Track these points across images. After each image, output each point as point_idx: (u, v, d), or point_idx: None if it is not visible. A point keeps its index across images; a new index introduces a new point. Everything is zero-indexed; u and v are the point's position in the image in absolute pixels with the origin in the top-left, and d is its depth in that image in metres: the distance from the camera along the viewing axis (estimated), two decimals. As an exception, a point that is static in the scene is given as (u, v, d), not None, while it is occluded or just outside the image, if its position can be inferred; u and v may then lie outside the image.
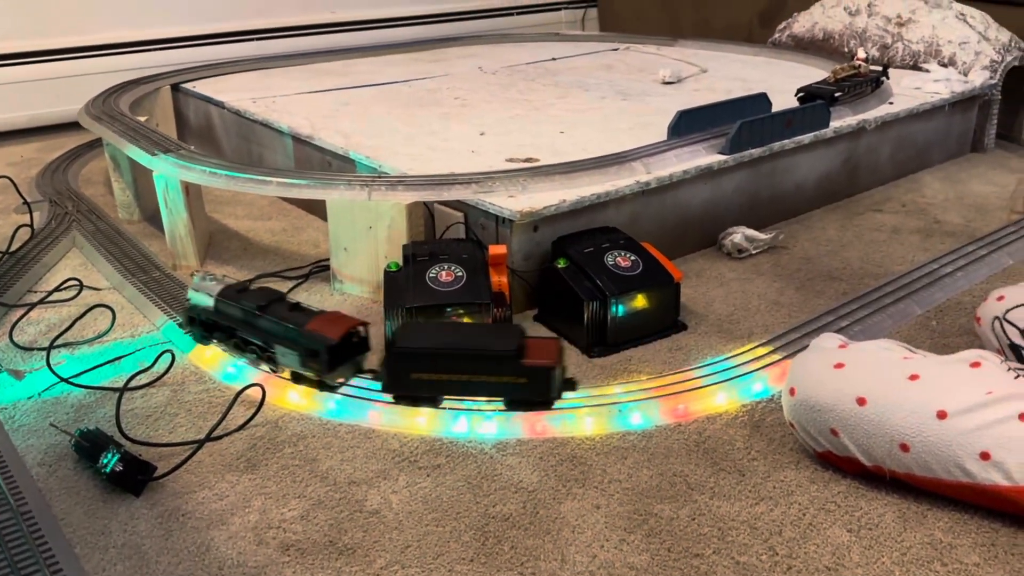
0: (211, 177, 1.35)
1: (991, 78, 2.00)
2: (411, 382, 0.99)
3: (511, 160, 1.44)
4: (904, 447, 0.82)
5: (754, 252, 1.47)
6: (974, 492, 0.81)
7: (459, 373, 0.97)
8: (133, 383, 1.10)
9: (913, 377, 0.84)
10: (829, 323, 1.20)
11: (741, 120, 1.45)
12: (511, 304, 1.22)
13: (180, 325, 1.19)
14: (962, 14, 2.15)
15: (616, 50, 2.56)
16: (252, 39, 2.56)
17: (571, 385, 1.01)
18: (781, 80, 1.99)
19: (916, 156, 1.86)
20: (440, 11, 3.00)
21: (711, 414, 1.01)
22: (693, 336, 1.21)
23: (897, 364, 0.86)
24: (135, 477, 0.91)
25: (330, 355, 0.99)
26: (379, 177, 1.32)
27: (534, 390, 0.97)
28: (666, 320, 1.22)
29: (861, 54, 1.79)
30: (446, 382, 0.98)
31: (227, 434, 1.00)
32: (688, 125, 1.52)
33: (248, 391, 1.06)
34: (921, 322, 1.23)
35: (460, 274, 1.16)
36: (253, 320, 1.05)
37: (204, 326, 1.12)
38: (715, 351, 1.16)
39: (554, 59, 2.43)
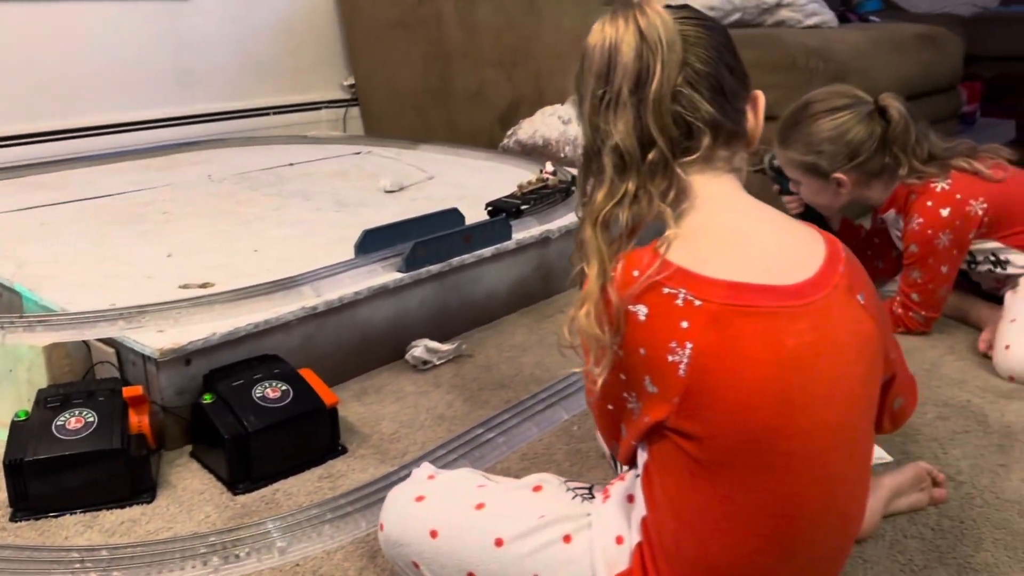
0: None
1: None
2: None
3: (185, 286, 1.43)
4: (471, 576, 0.87)
5: (438, 363, 1.53)
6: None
7: None
8: None
9: (479, 506, 0.89)
10: (478, 435, 1.26)
11: (415, 240, 1.53)
12: (160, 444, 1.20)
13: None
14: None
15: (358, 154, 2.64)
16: (-37, 149, 2.41)
17: None
18: (499, 187, 2.10)
19: (609, 256, 2.02)
20: (187, 113, 2.96)
21: (330, 548, 1.03)
22: (349, 460, 1.23)
23: (469, 494, 0.91)
24: None
25: None
26: (19, 316, 1.27)
27: None
28: (320, 447, 1.23)
29: (549, 167, 1.94)
30: None
31: None
32: (374, 243, 1.58)
33: None
34: (565, 427, 1.32)
35: (92, 419, 1.12)
36: None
37: None
38: (368, 475, 1.19)
39: (292, 164, 2.46)
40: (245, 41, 3.11)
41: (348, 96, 3.45)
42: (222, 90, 3.08)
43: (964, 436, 1.25)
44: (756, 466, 0.75)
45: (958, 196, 1.50)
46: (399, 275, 1.51)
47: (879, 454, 1.18)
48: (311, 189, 2.15)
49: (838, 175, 1.55)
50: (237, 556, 0.99)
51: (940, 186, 1.51)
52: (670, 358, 0.73)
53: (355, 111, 3.47)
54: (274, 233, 1.76)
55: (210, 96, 3.05)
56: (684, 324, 0.73)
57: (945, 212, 1.50)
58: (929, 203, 1.52)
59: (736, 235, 0.80)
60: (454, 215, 1.74)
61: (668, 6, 0.81)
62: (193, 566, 0.98)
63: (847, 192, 1.58)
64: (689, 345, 0.73)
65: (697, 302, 0.73)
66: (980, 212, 1.49)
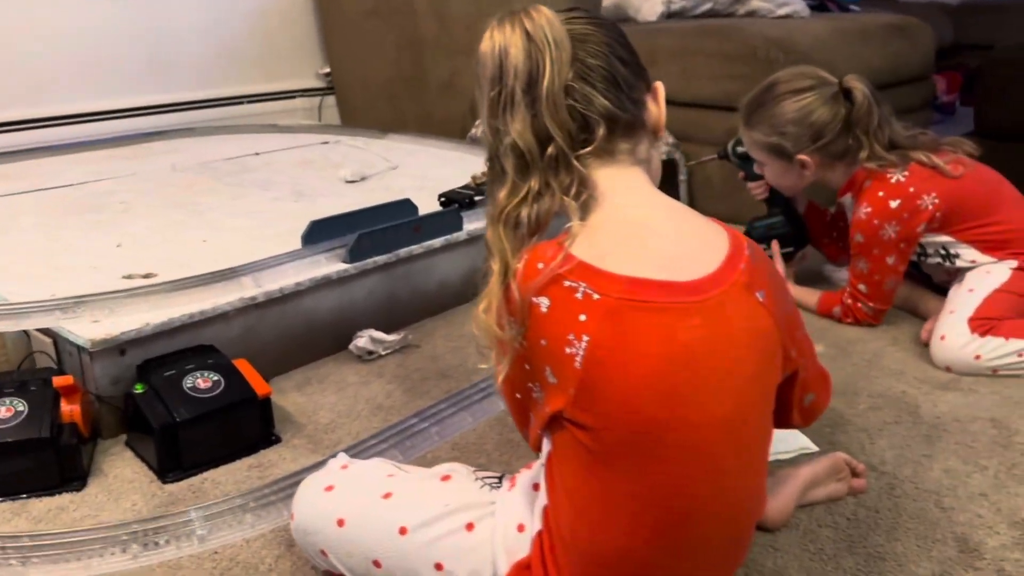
0: None
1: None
2: None
3: (129, 277, 1.44)
4: (376, 564, 0.88)
5: (384, 353, 1.54)
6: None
7: None
8: None
9: (386, 495, 0.90)
10: (411, 425, 1.27)
11: (360, 231, 1.53)
12: (95, 433, 1.21)
13: None
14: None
15: (326, 143, 2.64)
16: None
17: None
18: (462, 177, 2.09)
19: (567, 247, 2.03)
20: (160, 102, 2.96)
21: (250, 536, 1.04)
22: (281, 450, 1.24)
23: (378, 483, 0.92)
24: None
25: None
26: (-44, 308, 1.28)
27: None
28: (252, 437, 1.24)
29: (505, 158, 1.94)
30: None
31: None
32: (321, 234, 1.59)
33: None
34: (500, 417, 1.33)
35: (22, 408, 1.13)
36: None
37: None
38: (298, 464, 1.20)
39: (257, 154, 2.46)
40: (219, 29, 3.11)
41: (324, 85, 3.44)
42: (195, 78, 3.08)
43: (893, 427, 1.26)
44: (645, 458, 0.76)
45: (911, 189, 1.50)
46: (343, 266, 1.51)
47: (804, 443, 1.19)
48: (273, 179, 2.15)
49: (802, 156, 1.55)
50: (156, 544, 1.01)
51: (896, 177, 1.51)
52: (567, 350, 0.75)
53: (331, 100, 3.46)
54: (230, 224, 1.77)
55: (183, 84, 3.04)
56: (582, 317, 0.74)
57: (894, 204, 1.50)
58: (880, 193, 1.52)
59: (638, 230, 0.80)
60: (407, 205, 1.75)
61: (560, 10, 0.82)
62: (112, 553, 0.99)
63: (811, 174, 1.58)
64: (585, 338, 0.74)
65: (596, 296, 0.74)
66: (931, 207, 1.49)
